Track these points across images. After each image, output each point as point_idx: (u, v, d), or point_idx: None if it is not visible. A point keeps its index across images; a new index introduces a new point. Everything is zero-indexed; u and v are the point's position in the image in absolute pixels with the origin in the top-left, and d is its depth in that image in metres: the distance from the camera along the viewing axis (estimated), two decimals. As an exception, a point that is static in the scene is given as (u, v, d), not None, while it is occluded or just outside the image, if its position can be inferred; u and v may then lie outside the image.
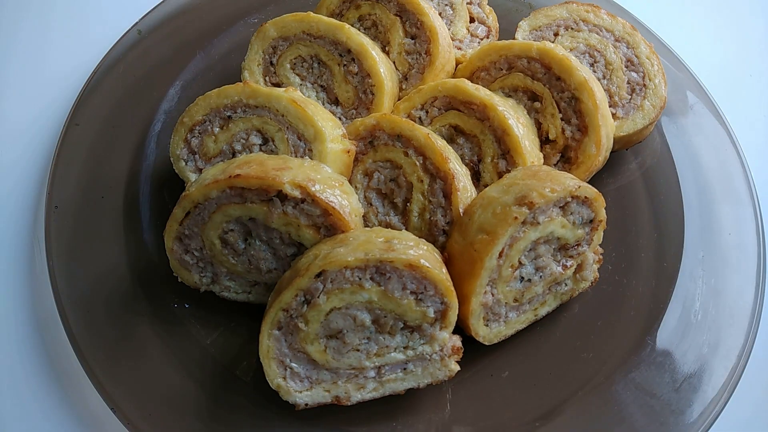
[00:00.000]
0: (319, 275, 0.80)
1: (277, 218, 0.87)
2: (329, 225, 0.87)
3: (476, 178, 0.99)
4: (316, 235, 0.88)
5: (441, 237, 0.93)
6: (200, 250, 0.89)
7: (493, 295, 0.88)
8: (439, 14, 1.06)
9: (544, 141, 0.99)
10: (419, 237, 0.90)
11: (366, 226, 0.95)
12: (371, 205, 0.99)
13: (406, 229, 0.95)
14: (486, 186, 0.96)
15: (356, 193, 0.95)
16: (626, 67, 1.03)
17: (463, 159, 0.98)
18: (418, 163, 0.95)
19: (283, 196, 0.86)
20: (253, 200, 0.86)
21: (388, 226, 0.97)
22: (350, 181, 0.96)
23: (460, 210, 0.92)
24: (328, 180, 0.88)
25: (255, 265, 0.91)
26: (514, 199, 0.85)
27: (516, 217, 0.84)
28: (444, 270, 0.83)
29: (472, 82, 0.97)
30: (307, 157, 0.94)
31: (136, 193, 1.00)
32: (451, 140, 0.99)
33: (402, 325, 0.81)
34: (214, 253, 0.89)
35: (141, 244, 0.96)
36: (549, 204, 0.84)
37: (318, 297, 0.80)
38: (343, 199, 0.88)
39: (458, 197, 0.92)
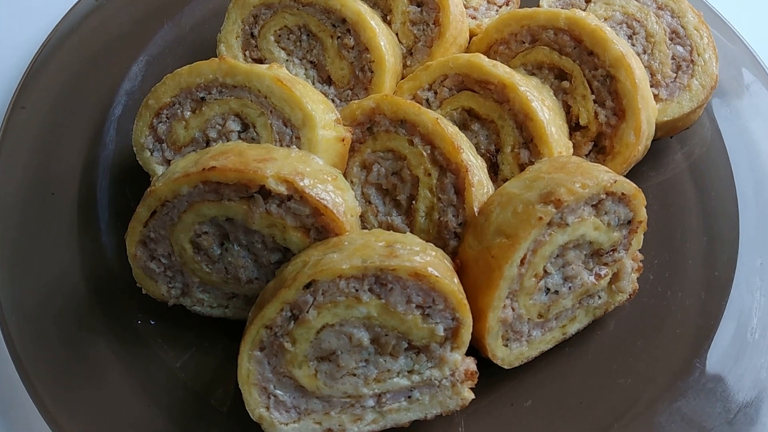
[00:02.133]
0: (308, 286, 0.80)
1: (260, 219, 0.87)
2: (320, 226, 0.88)
3: (494, 171, 1.00)
4: (304, 239, 0.89)
5: (452, 241, 0.94)
6: (168, 256, 0.90)
7: (513, 309, 0.88)
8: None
9: (574, 127, 1.00)
10: (426, 241, 0.89)
11: (363, 227, 0.96)
12: (370, 203, 0.99)
13: (411, 232, 0.96)
14: (505, 180, 0.96)
15: (352, 188, 0.95)
16: (670, 39, 1.04)
17: (478, 149, 0.99)
18: (425, 153, 0.95)
19: (266, 193, 0.86)
20: (231, 197, 0.87)
21: (389, 227, 0.97)
22: (345, 175, 0.97)
23: (475, 209, 0.92)
24: (319, 173, 0.89)
25: (233, 274, 0.92)
26: (538, 196, 0.85)
27: (540, 218, 0.83)
28: (456, 280, 0.84)
29: (488, 57, 0.97)
30: (294, 147, 0.95)
31: (92, 188, 1.00)
32: (464, 126, 1.00)
33: (406, 346, 0.81)
34: (184, 259, 0.90)
35: (98, 250, 0.96)
36: (579, 202, 0.84)
37: (307, 312, 0.79)
38: (337, 195, 0.88)
39: (472, 194, 0.92)
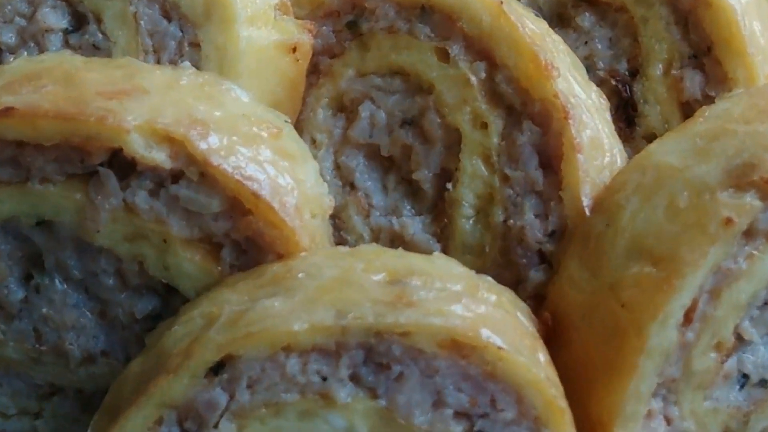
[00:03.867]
0: (217, 369, 0.80)
1: (111, 222, 0.87)
2: (245, 239, 0.89)
3: (626, 117, 1.02)
4: (208, 266, 0.89)
5: (534, 271, 0.95)
6: None
7: (669, 420, 0.87)
8: None
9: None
10: (478, 271, 0.91)
11: (341, 240, 1.02)
12: (353, 187, 1.03)
13: (445, 250, 0.97)
14: (650, 138, 1.00)
15: (316, 156, 1.00)
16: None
17: (591, 68, 1.02)
18: (474, 77, 0.96)
19: (125, 165, 0.86)
20: (48, 175, 0.86)
21: (395, 240, 1.01)
22: (300, 126, 1.01)
23: (584, 201, 0.91)
24: (243, 123, 0.91)
25: (52, 342, 0.91)
26: (723, 173, 0.84)
27: (730, 220, 0.81)
28: (541, 356, 0.85)
29: None
30: (187, 63, 0.95)
31: None
32: (560, 21, 1.04)
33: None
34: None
35: None
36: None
37: (216, 427, 0.80)
38: (282, 172, 0.90)
39: (578, 167, 0.90)
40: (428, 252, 0.95)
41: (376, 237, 1.01)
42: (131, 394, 0.81)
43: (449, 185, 0.98)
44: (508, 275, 0.95)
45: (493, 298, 0.86)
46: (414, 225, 0.99)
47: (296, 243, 0.89)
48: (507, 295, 0.90)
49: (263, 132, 0.91)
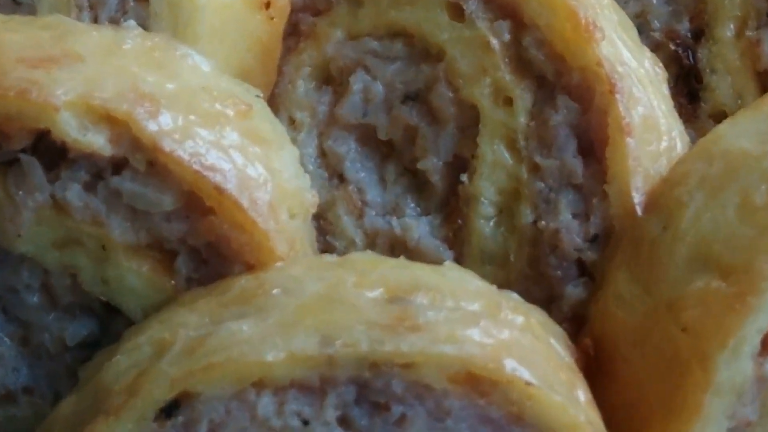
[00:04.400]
0: (170, 409, 0.79)
1: (39, 223, 0.86)
2: (208, 246, 0.89)
3: (688, 91, 1.01)
4: (159, 279, 0.89)
5: (571, 286, 0.97)
6: None
7: None
8: None
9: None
10: (500, 286, 0.92)
11: (327, 247, 1.02)
12: (342, 179, 1.02)
13: (458, 260, 0.98)
14: (719, 116, 0.99)
15: (295, 140, 0.99)
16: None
17: (644, 29, 1.01)
18: (495, 39, 0.95)
19: (54, 151, 0.86)
20: None
21: (396, 243, 1.00)
22: (277, 103, 1.01)
23: (635, 193, 0.93)
24: (203, 100, 0.92)
25: None
26: None
27: None
28: (581, 393, 0.84)
29: None
30: (131, 22, 0.96)
31: None
32: None
33: None
34: None
35: None
36: None
37: None
38: (253, 162, 0.91)
39: (627, 149, 0.91)
40: (437, 261, 0.95)
41: (371, 242, 0.99)
42: (63, 440, 0.83)
43: (464, 177, 0.96)
44: (539, 291, 0.94)
45: (520, 320, 0.85)
46: (419, 227, 0.97)
47: (270, 250, 0.87)
48: (537, 317, 0.89)
49: (228, 109, 0.90)
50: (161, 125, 0.83)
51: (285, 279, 0.86)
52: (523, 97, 0.91)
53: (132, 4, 0.92)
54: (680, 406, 0.83)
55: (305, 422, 0.78)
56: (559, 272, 0.92)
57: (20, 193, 0.83)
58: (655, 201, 0.88)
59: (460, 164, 0.95)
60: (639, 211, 0.88)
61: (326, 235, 0.96)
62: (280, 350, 0.77)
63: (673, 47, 0.96)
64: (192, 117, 0.87)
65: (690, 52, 0.96)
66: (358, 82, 0.94)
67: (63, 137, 0.82)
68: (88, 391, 0.83)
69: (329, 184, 0.97)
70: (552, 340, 0.85)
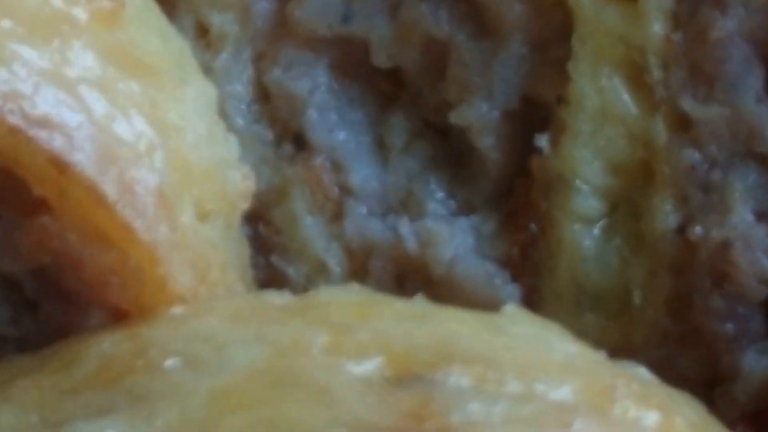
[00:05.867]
0: None
1: None
2: (37, 275, 0.71)
3: None
4: None
5: (756, 353, 0.72)
6: None
7: None
8: None
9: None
10: (613, 346, 0.72)
11: (270, 276, 0.80)
12: (302, 146, 0.77)
13: (532, 300, 0.80)
14: None
15: (215, 74, 0.75)
16: None
17: None
18: None
19: None
20: None
21: (409, 267, 0.78)
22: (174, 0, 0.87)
23: None
24: (36, 17, 0.70)
25: None
26: None
27: None
28: None
29: None
30: None
31: None
32: None
33: None
34: None
35: None
36: None
37: None
38: (126, 112, 0.68)
39: None
40: (490, 302, 0.70)
41: (357, 266, 0.76)
42: None
43: (542, 142, 0.69)
44: (691, 362, 0.73)
45: (652, 419, 0.61)
46: (455, 237, 0.72)
47: (158, 281, 0.65)
48: (686, 414, 0.64)
49: (78, 9, 0.66)
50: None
51: (188, 339, 0.64)
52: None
53: None
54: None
55: None
56: (730, 326, 0.65)
57: None
58: None
59: (534, 118, 0.66)
60: None
61: (270, 252, 0.69)
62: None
63: None
64: (6, 23, 0.64)
65: None
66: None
67: None
68: None
69: (277, 155, 0.68)
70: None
